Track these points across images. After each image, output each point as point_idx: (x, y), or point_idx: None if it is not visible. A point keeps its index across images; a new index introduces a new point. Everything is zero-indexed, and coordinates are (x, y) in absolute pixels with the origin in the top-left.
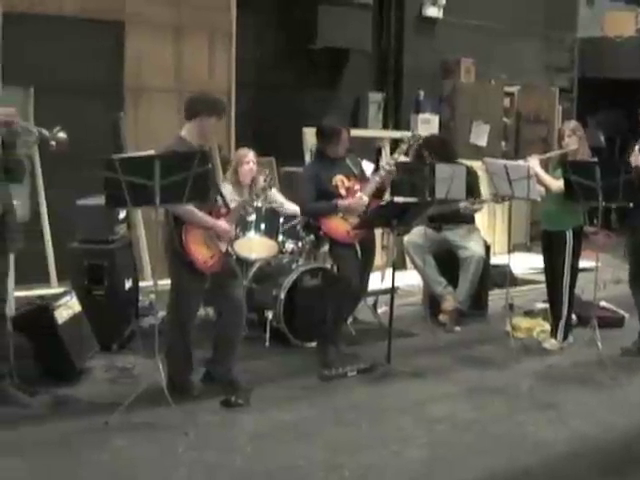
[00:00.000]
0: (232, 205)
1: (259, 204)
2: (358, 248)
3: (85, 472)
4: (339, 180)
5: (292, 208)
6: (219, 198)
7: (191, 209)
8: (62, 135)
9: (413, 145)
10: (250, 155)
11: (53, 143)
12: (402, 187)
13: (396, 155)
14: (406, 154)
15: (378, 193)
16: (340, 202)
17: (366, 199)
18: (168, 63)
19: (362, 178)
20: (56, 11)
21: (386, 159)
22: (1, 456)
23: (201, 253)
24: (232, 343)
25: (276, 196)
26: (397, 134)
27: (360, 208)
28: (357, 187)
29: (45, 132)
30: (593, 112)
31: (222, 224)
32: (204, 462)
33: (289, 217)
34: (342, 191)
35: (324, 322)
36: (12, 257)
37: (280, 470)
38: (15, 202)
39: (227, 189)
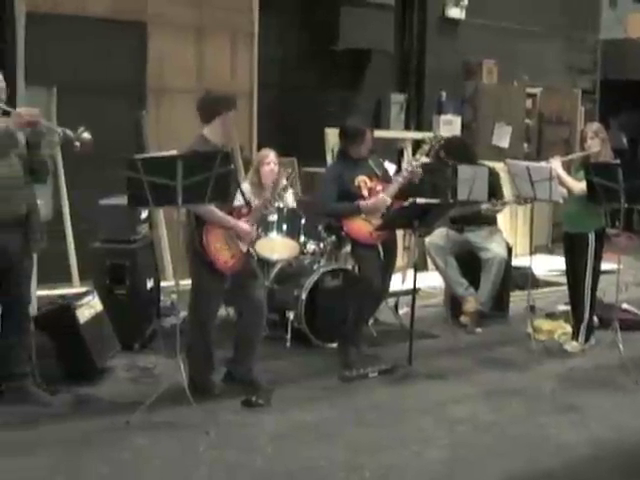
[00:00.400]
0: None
1: (281, 204)
2: (380, 249)
3: (106, 471)
4: (361, 181)
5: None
6: (240, 198)
7: (212, 209)
8: (87, 136)
9: (435, 146)
10: (271, 156)
11: (77, 144)
12: (424, 188)
13: (418, 156)
14: (428, 155)
15: (401, 194)
16: (362, 203)
17: (389, 200)
18: (190, 64)
19: (385, 179)
20: (79, 11)
21: (408, 160)
22: (22, 455)
23: (222, 253)
24: (252, 343)
25: (289, 198)
26: (419, 135)
27: (382, 209)
28: (379, 188)
29: (69, 132)
30: (615, 114)
31: (243, 225)
32: (225, 461)
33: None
34: (364, 192)
35: (345, 323)
36: (35, 257)
37: (301, 470)
38: (38, 202)
39: (245, 188)
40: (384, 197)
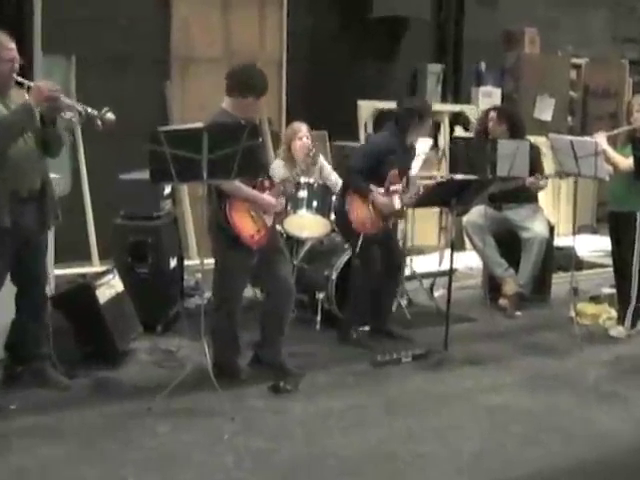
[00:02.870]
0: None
1: (310, 181)
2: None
3: (127, 458)
4: (393, 175)
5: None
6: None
7: (239, 185)
8: (110, 116)
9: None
10: (304, 130)
11: (99, 123)
12: (462, 164)
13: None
14: None
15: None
16: (376, 195)
17: (398, 207)
18: (217, 31)
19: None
20: None
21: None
22: (39, 442)
23: (247, 226)
24: (280, 324)
25: (325, 167)
26: (457, 108)
27: (387, 212)
28: (397, 187)
29: (93, 112)
30: None
31: (268, 198)
32: (251, 449)
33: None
34: (386, 183)
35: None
36: (51, 234)
37: (330, 459)
38: (56, 175)
39: (278, 165)
40: (398, 203)
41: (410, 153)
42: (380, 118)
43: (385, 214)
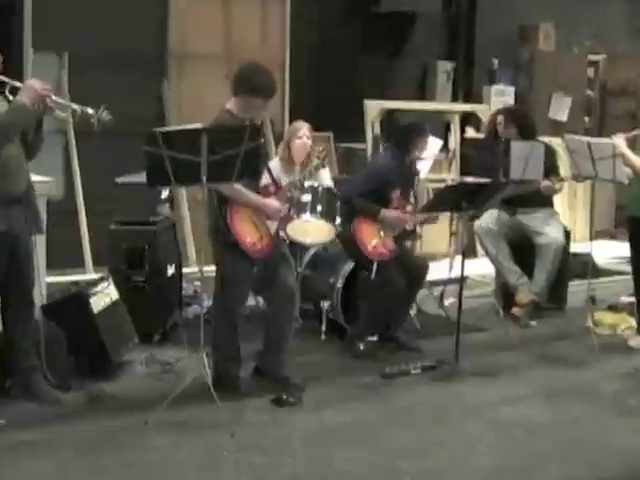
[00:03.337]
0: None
1: (315, 184)
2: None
3: (122, 474)
4: (397, 197)
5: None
6: (267, 175)
7: (240, 188)
8: (107, 116)
9: None
10: (304, 129)
11: (96, 123)
12: (473, 166)
13: None
14: None
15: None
16: (387, 212)
17: (411, 225)
18: (216, 27)
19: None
20: None
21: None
22: (29, 458)
23: (248, 233)
24: (283, 335)
25: (324, 177)
26: (468, 107)
27: (399, 229)
28: (409, 208)
29: (90, 111)
30: None
31: (272, 202)
32: (252, 465)
33: None
34: (394, 205)
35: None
36: (43, 239)
37: (335, 476)
38: (48, 179)
39: (275, 164)
40: (410, 219)
41: (412, 172)
42: (388, 118)
43: (396, 233)
